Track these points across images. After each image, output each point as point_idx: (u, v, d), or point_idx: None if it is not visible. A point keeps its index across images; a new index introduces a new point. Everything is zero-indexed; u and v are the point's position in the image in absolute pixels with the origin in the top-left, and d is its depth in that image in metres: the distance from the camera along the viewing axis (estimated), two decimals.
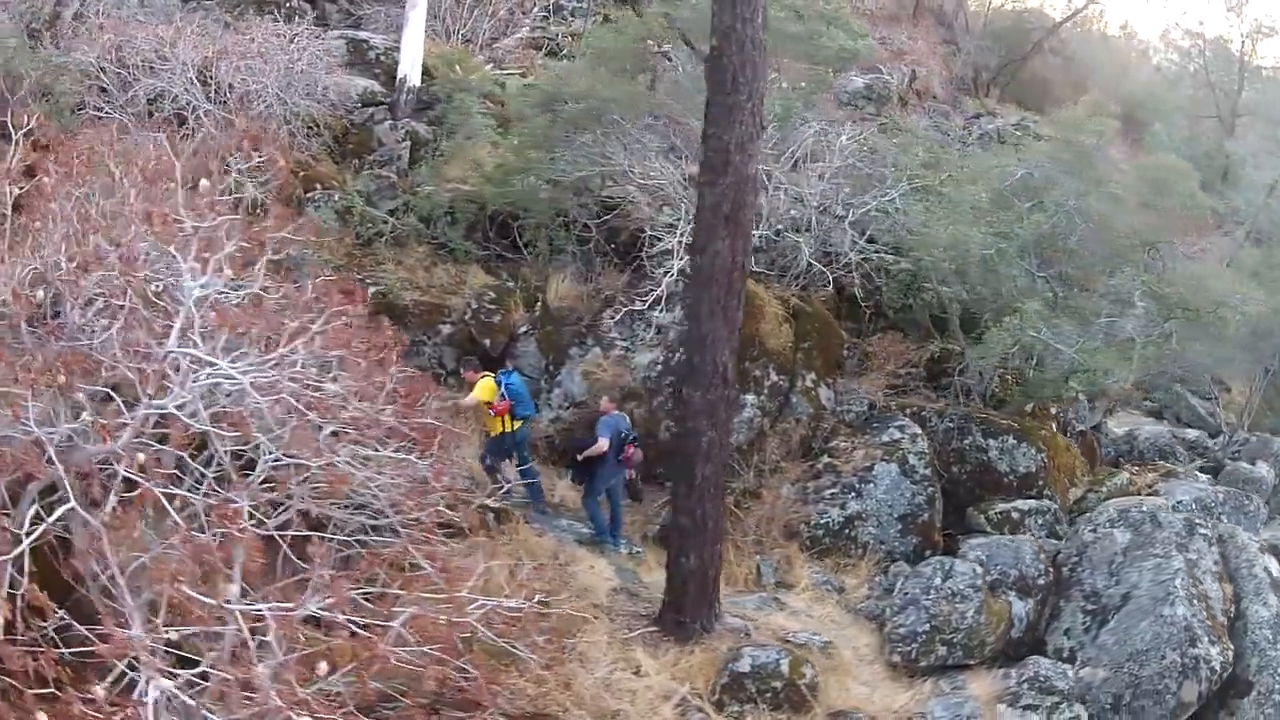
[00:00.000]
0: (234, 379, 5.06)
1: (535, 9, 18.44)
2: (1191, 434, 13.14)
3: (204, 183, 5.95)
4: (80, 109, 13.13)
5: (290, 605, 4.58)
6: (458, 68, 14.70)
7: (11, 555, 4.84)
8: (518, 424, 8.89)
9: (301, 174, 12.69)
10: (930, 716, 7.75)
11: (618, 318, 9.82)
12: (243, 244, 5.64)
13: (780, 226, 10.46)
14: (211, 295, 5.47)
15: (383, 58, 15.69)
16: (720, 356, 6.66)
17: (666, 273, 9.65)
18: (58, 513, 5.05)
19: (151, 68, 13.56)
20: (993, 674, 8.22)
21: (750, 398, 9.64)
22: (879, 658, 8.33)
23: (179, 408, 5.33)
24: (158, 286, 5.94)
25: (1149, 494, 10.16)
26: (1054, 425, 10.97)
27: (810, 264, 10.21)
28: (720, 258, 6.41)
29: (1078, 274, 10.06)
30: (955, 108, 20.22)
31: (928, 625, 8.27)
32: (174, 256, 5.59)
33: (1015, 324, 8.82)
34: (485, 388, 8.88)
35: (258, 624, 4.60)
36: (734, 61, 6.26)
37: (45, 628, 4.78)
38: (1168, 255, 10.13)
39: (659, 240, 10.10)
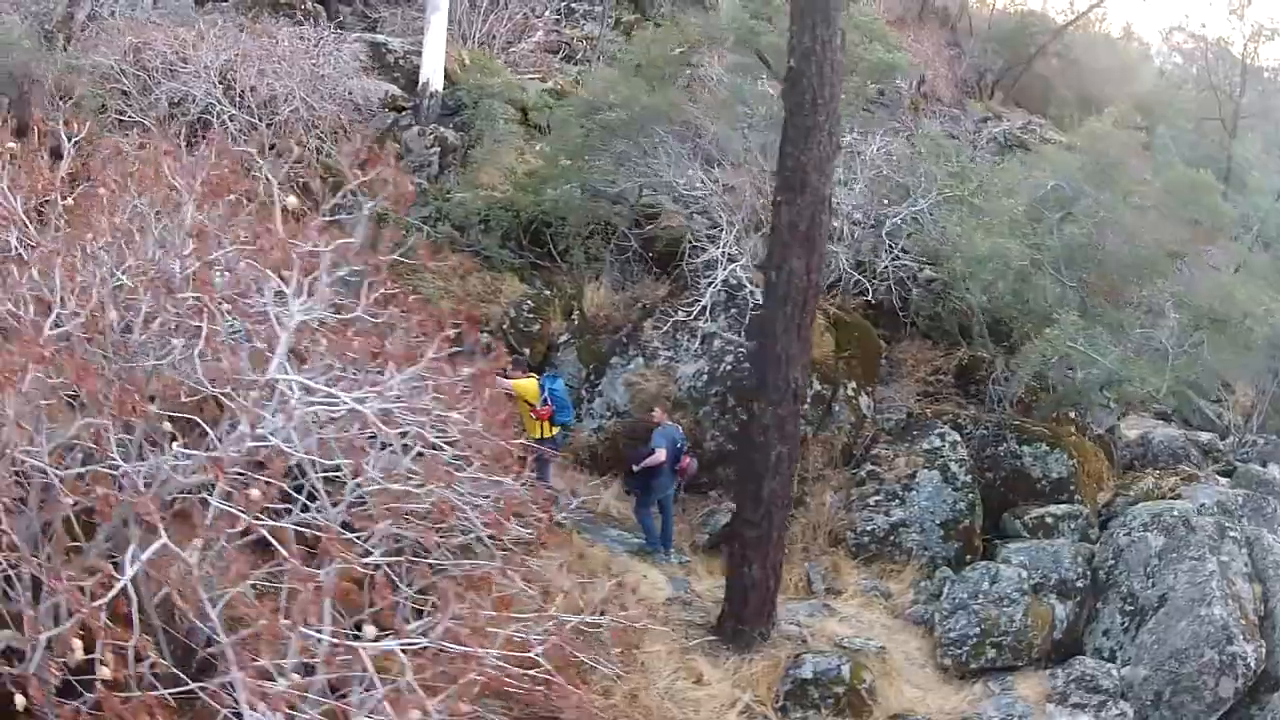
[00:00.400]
0: (349, 405, 5.17)
1: (547, 12, 18.58)
2: (1204, 437, 13.64)
3: (290, 200, 6.05)
4: (102, 113, 13.15)
5: (419, 640, 4.74)
6: (481, 73, 14.85)
7: (107, 598, 4.57)
8: (555, 430, 9.11)
9: (330, 180, 12.85)
10: (984, 717, 8.13)
11: (664, 328, 10.05)
12: (346, 264, 5.73)
13: None
14: (313, 318, 5.58)
15: (401, 61, 15.81)
16: (793, 373, 6.95)
17: (710, 283, 9.93)
18: (151, 548, 4.78)
19: (172, 71, 13.60)
20: (1039, 675, 8.62)
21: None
22: (929, 661, 8.70)
23: (274, 435, 5.39)
24: (249, 307, 6.04)
25: (1172, 498, 10.64)
26: (1072, 429, 11.43)
27: (846, 273, 10.51)
28: (795, 276, 6.70)
29: (1105, 283, 10.47)
30: (963, 111, 20.65)
31: (978, 629, 8.65)
32: (275, 278, 5.68)
33: (1055, 335, 9.18)
34: (528, 388, 9.07)
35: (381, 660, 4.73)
36: (813, 84, 6.52)
37: (143, 671, 4.76)
38: (1193, 265, 10.56)
39: (701, 250, 10.38)
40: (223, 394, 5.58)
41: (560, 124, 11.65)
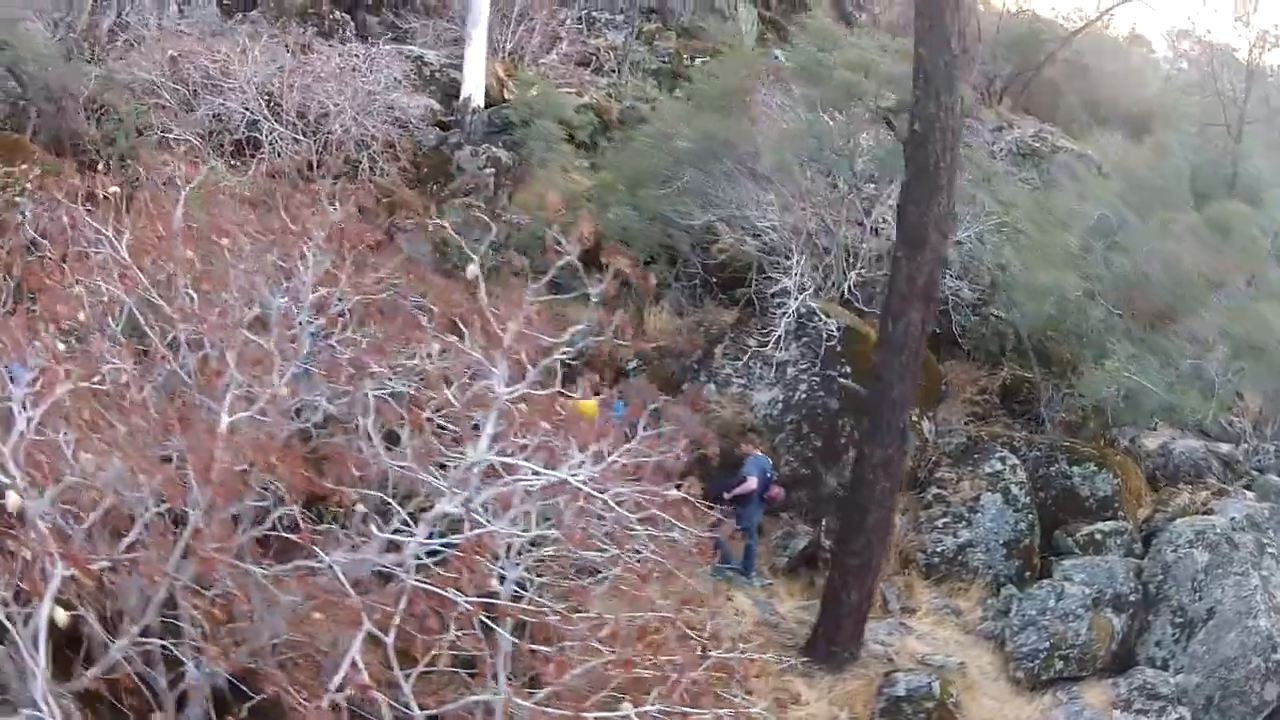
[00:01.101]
0: (556, 479, 5.57)
1: (568, 21, 18.88)
2: (1223, 448, 14.76)
3: (471, 269, 6.40)
4: (146, 131, 13.31)
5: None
6: (527, 89, 15.26)
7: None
8: None
9: (385, 200, 13.20)
10: None
11: (736, 355, 10.71)
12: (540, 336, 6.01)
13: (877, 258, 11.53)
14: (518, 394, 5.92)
15: (438, 75, 16.13)
16: (902, 417, 7.69)
17: (784, 314, 10.62)
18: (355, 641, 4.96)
19: (214, 86, 13.77)
20: (1103, 684, 9.57)
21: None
22: (1001, 674, 9.58)
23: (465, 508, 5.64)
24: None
25: (1204, 512, 11.68)
26: (1099, 441, 12.41)
27: None
28: (912, 327, 7.42)
29: (1151, 311, 11.38)
30: (979, 120, 21.52)
31: (1047, 643, 9.56)
32: (482, 361, 5.96)
33: (1114, 367, 10.07)
34: (587, 408, 9.65)
35: None
36: (937, 148, 7.19)
37: None
38: (1231, 294, 11.51)
39: (769, 278, 11.07)
40: (427, 473, 5.72)
41: (635, 154, 12.14)
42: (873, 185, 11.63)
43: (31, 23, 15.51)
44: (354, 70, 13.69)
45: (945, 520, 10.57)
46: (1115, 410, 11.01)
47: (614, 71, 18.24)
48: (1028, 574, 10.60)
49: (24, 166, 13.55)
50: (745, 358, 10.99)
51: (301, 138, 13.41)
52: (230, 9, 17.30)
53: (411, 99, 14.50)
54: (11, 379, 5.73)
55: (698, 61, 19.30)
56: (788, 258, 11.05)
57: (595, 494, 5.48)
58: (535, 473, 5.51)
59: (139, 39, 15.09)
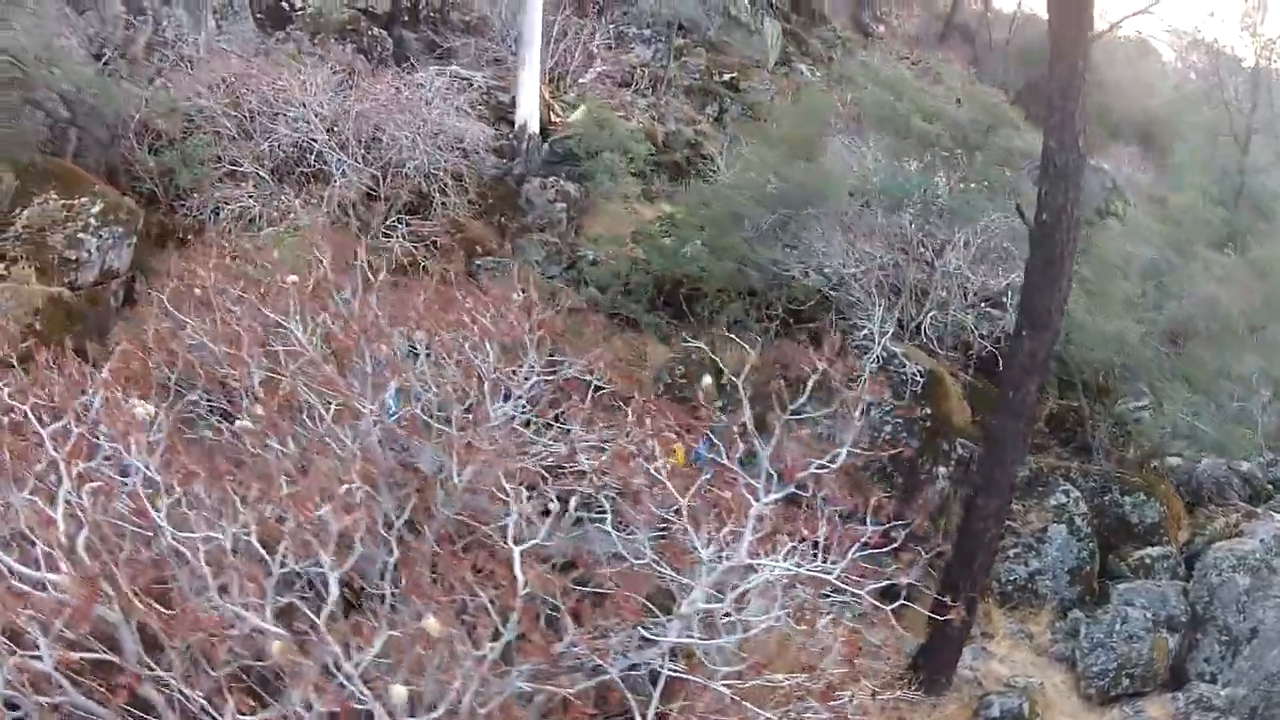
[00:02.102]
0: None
1: (597, 36, 19.66)
2: (1244, 466, 16.59)
3: (706, 382, 7.31)
4: (216, 163, 13.85)
5: None
6: (576, 113, 16.15)
7: None
8: None
9: (459, 235, 14.03)
10: None
11: (828, 398, 11.92)
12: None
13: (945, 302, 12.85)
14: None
15: (485, 97, 16.85)
16: (1013, 473, 9.01)
17: (868, 357, 11.88)
18: None
19: (278, 115, 14.34)
20: (1162, 698, 11.12)
21: (941, 469, 12.05)
22: (1074, 692, 11.09)
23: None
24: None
25: (1235, 535, 13.37)
26: (1140, 468, 14.03)
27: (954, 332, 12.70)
28: (1029, 396, 8.73)
29: (1194, 351, 12.93)
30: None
31: (1115, 663, 11.08)
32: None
33: (1171, 410, 11.59)
34: (678, 454, 10.84)
35: None
36: (1062, 238, 8.43)
37: None
38: (1272, 336, 13.09)
39: (848, 319, 12.31)
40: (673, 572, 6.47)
41: (710, 194, 13.20)
42: (939, 228, 12.90)
43: (66, 39, 15.76)
44: (424, 101, 14.30)
45: (1016, 550, 12.00)
46: (1165, 443, 12.57)
47: (650, 90, 19.19)
48: (1088, 598, 12.11)
49: (83, 200, 14.11)
50: (823, 394, 12.24)
51: (366, 168, 14.07)
52: (263, 23, 17.74)
53: (467, 124, 15.18)
54: None
55: (737, 81, 20.44)
56: (867, 298, 12.28)
57: (837, 582, 6.51)
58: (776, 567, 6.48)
59: (185, 59, 15.50)
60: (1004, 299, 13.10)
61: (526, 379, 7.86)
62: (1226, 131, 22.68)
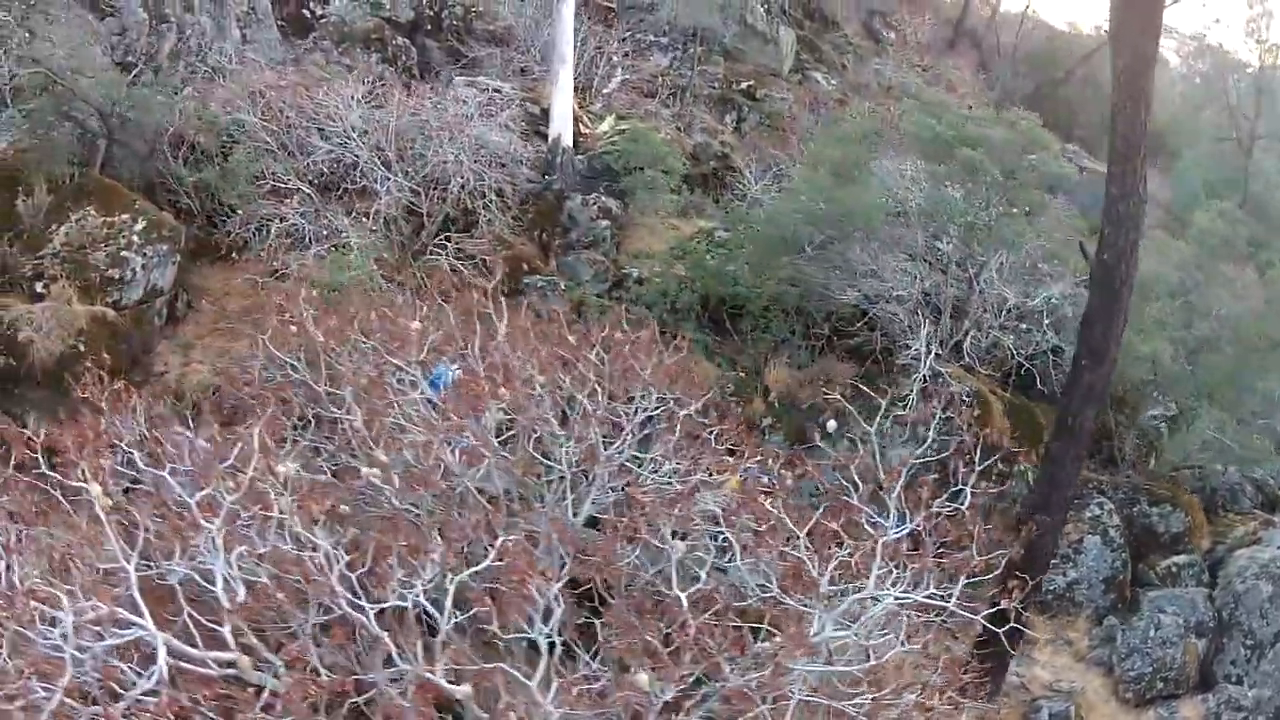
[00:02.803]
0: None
1: (614, 44, 20.29)
2: (1256, 474, 17.86)
3: (831, 425, 7.91)
4: (261, 179, 14.33)
5: None
6: (603, 125, 16.84)
7: None
8: None
9: (505, 252, 14.66)
10: None
11: (877, 416, 12.83)
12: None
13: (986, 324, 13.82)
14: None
15: (515, 109, 17.40)
16: (1068, 495, 9.98)
17: (915, 376, 12.82)
18: None
19: (317, 129, 14.85)
20: (1193, 700, 12.23)
21: (984, 484, 13.00)
22: (1112, 696, 12.15)
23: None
24: None
25: (1253, 541, 14.57)
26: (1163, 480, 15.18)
27: (1017, 360, 13.67)
28: (1086, 423, 9.68)
29: (1220, 368, 14.02)
30: None
31: (1150, 668, 12.16)
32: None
33: (1198, 428, 12.69)
34: (734, 484, 11.74)
35: None
36: (1121, 275, 9.36)
37: None
38: None
39: (889, 337, 13.24)
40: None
41: (765, 219, 14.00)
42: (978, 250, 13.84)
43: (89, 46, 16.05)
44: (465, 116, 14.89)
45: (1055, 561, 13.01)
46: (1193, 456, 13.69)
47: (672, 99, 19.91)
48: (1121, 605, 13.20)
49: (124, 217, 14.50)
50: (868, 411, 13.16)
51: (411, 184, 14.60)
52: (285, 31, 18.11)
53: (503, 138, 15.76)
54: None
55: (754, 90, 21.24)
56: (910, 317, 13.20)
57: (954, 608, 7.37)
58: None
59: (212, 68, 15.89)
60: (1039, 315, 14.12)
61: (635, 416, 8.54)
62: (1230, 137, 24.04)
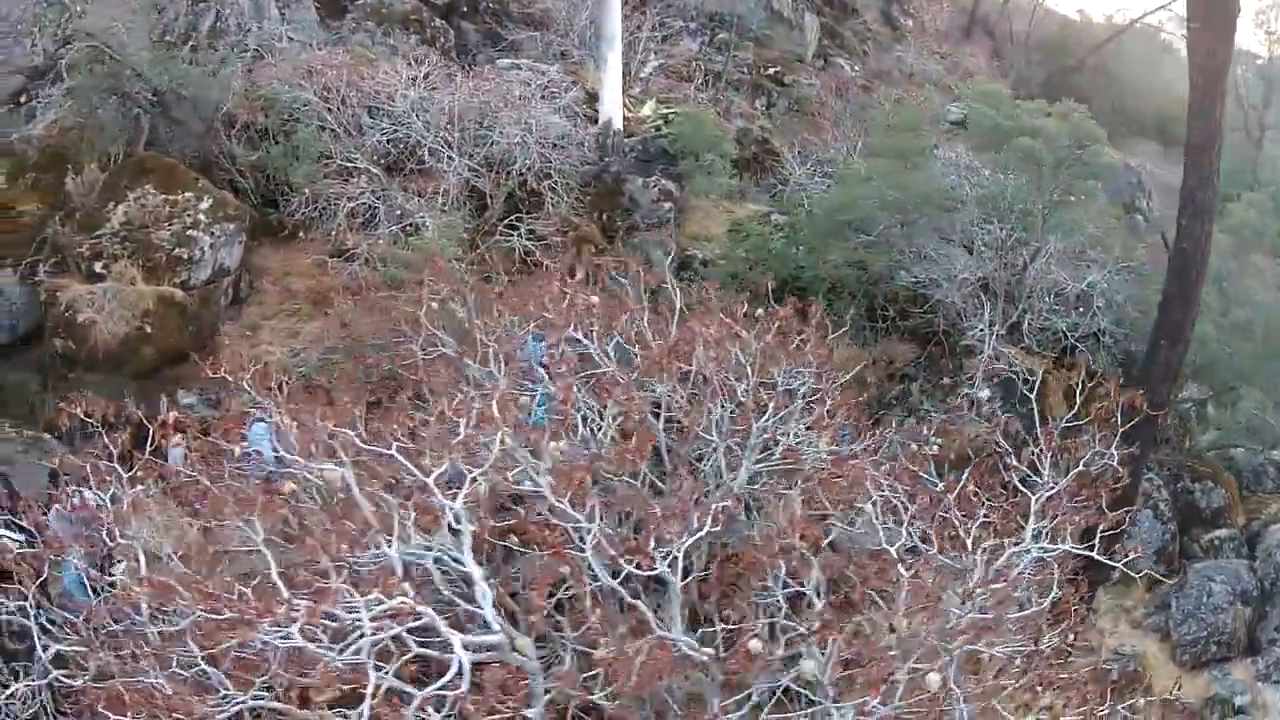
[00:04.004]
0: None
1: (644, 29, 21.40)
2: (1276, 454, 19.71)
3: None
4: (327, 158, 15.15)
5: None
6: (645, 109, 17.98)
7: None
8: None
9: (571, 233, 15.71)
10: (1219, 695, 13.23)
11: (941, 395, 14.21)
12: None
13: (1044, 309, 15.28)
14: None
15: (552, 93, 18.38)
16: (1144, 466, 11.46)
17: (979, 356, 14.22)
18: None
19: (376, 109, 15.73)
20: (1243, 662, 13.79)
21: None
22: (1169, 659, 13.66)
23: None
24: None
25: None
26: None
27: (1072, 344, 15.16)
28: (1162, 400, 11.12)
29: (1251, 352, 15.66)
30: None
31: (1205, 632, 13.68)
32: None
33: (1245, 407, 14.31)
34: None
35: None
36: (1197, 264, 10.78)
37: None
38: None
39: (956, 320, 14.61)
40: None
41: (827, 203, 15.27)
42: (1034, 235, 15.26)
43: (127, 26, 16.61)
44: (526, 98, 15.89)
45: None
46: (1234, 437, 15.32)
47: (705, 84, 21.08)
48: (1170, 576, 14.77)
49: (187, 195, 15.18)
50: (933, 390, 14.56)
51: (473, 164, 15.52)
52: (319, 11, 18.84)
53: (559, 121, 16.76)
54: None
55: (782, 75, 22.56)
56: (973, 300, 14.59)
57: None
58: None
59: (252, 48, 16.60)
60: (1089, 298, 15.63)
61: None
62: (1240, 127, 25.85)
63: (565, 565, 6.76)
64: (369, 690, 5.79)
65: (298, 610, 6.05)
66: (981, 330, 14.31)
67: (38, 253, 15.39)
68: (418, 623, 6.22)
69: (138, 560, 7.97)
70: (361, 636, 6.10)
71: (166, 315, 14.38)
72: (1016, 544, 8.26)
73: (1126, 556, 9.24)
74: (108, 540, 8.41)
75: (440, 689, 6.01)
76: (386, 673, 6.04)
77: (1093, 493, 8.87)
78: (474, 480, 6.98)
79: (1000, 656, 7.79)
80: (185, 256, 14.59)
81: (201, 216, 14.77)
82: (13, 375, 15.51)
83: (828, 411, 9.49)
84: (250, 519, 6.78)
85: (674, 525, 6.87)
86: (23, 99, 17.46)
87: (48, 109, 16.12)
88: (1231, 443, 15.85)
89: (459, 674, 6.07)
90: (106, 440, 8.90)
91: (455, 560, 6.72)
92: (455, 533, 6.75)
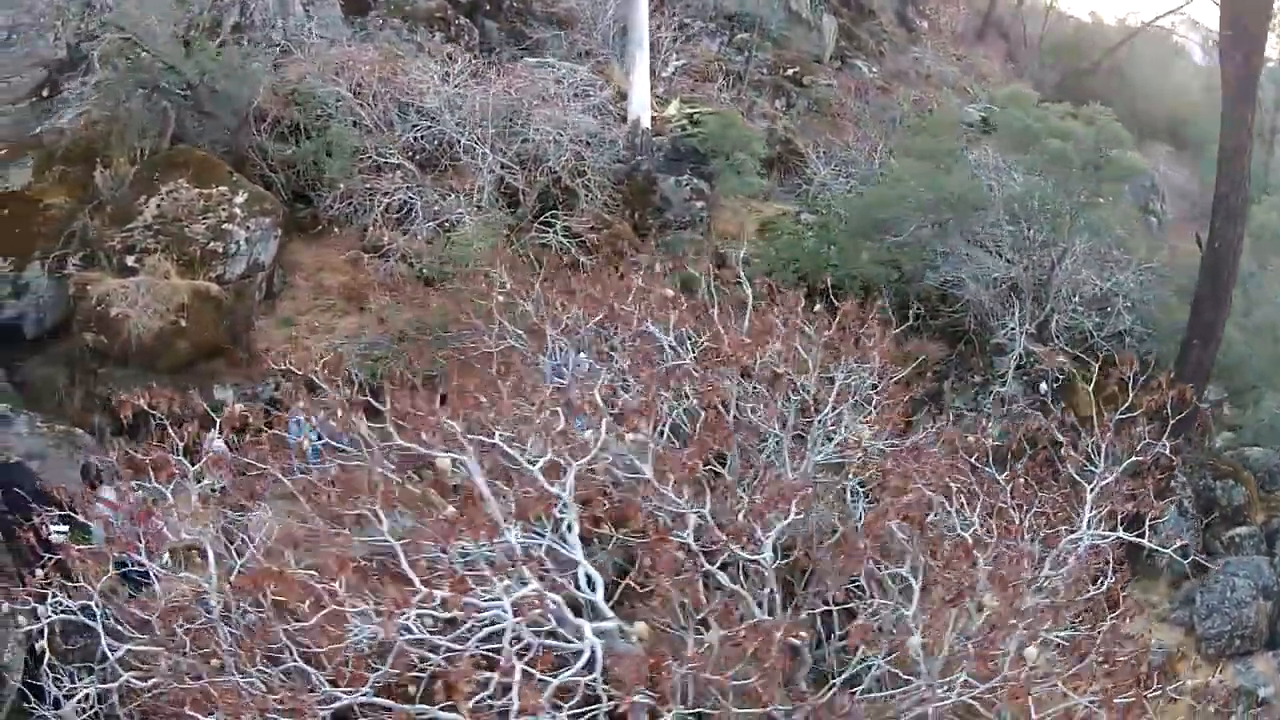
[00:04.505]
0: None
1: (663, 29, 21.92)
2: None
3: None
4: (363, 154, 15.60)
5: None
6: (670, 108, 18.55)
7: None
8: None
9: (605, 231, 16.23)
10: (1243, 687, 13.91)
11: (972, 393, 14.83)
12: None
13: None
14: None
15: (588, 90, 18.94)
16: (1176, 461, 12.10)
17: (1010, 355, 14.85)
18: None
19: (408, 105, 16.19)
20: (1264, 655, 14.46)
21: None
22: (1194, 652, 14.33)
23: None
24: None
25: None
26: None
27: (1098, 342, 15.83)
28: (1196, 396, 11.76)
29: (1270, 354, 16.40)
30: None
31: (1229, 626, 14.34)
32: None
33: (1269, 409, 15.02)
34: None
35: None
36: (1229, 266, 11.43)
37: None
38: None
39: (991, 327, 15.25)
40: None
41: (859, 204, 15.88)
42: (1061, 236, 15.93)
43: (155, 19, 16.94)
44: (563, 97, 16.40)
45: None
46: (1260, 436, 16.06)
47: (726, 84, 21.65)
48: (1196, 572, 15.44)
49: (221, 189, 15.55)
50: (962, 387, 15.19)
51: (506, 161, 16.01)
52: (343, 10, 19.25)
53: (591, 117, 17.27)
54: None
55: (800, 76, 23.18)
56: (1003, 300, 15.24)
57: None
58: None
59: (295, 43, 17.01)
60: (1114, 298, 16.32)
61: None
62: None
63: (678, 550, 7.06)
64: (515, 679, 6.04)
65: (434, 600, 6.34)
66: (1012, 329, 14.95)
67: (66, 246, 15.63)
68: (537, 611, 6.52)
69: (204, 556, 8.13)
70: (479, 627, 6.41)
71: (201, 309, 14.56)
72: (1071, 530, 8.84)
73: (1173, 545, 9.73)
74: (169, 535, 8.46)
75: (574, 676, 6.32)
76: (523, 660, 6.30)
77: (1139, 484, 9.44)
78: (575, 468, 7.31)
79: (1062, 640, 8.35)
80: (220, 251, 14.86)
81: (237, 210, 15.08)
82: (40, 369, 15.87)
83: (886, 405, 10.02)
84: (373, 507, 6.99)
85: (770, 511, 7.36)
86: (45, 92, 17.82)
87: (74, 102, 16.43)
88: (1250, 442, 16.54)
89: (589, 661, 6.41)
90: (172, 433, 9.08)
91: (565, 547, 7.09)
92: (558, 521, 7.13)
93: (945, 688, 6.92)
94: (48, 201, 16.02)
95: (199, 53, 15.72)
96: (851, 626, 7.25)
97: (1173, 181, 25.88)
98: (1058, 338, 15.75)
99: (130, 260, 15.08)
